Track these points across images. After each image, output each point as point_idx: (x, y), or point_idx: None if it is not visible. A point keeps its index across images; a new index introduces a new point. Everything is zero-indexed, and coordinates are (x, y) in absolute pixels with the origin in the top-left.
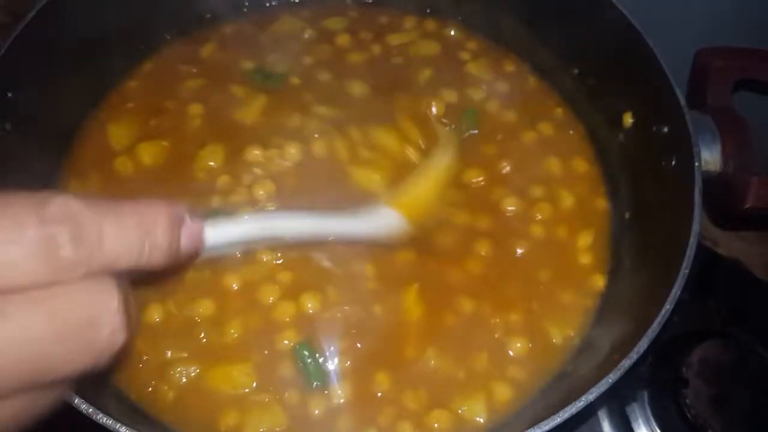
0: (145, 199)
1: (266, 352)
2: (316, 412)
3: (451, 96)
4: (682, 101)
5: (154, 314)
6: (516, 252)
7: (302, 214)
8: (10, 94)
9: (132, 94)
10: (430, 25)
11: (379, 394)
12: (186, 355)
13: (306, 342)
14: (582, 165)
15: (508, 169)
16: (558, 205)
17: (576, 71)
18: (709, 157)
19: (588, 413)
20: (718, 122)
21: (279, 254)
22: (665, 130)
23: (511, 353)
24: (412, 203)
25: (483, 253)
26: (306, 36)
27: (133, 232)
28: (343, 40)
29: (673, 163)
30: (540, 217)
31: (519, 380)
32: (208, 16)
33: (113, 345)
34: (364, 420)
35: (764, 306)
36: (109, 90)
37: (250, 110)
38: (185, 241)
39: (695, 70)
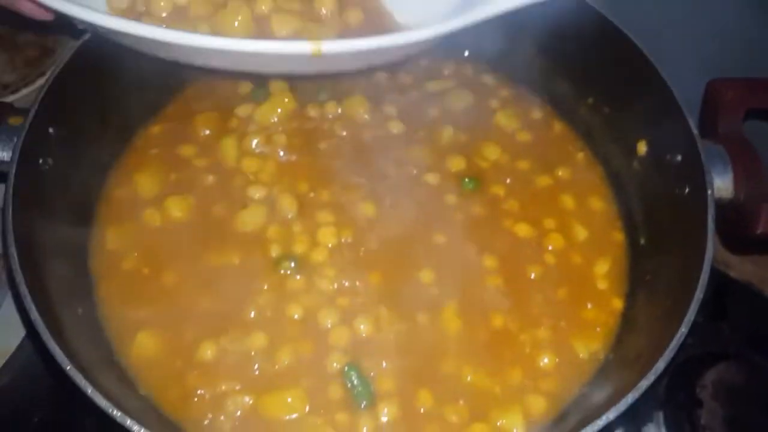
0: None
1: (316, 376)
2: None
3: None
4: (695, 130)
5: (207, 351)
6: (530, 275)
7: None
8: (51, 130)
9: (155, 140)
10: (467, 71)
11: (422, 410)
12: (239, 387)
13: (354, 363)
14: (598, 203)
15: (517, 205)
16: (571, 237)
17: (591, 100)
18: (721, 185)
19: None
20: (730, 150)
21: (335, 283)
22: (678, 158)
23: (542, 366)
24: None
25: (497, 274)
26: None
27: None
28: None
29: (687, 190)
30: (552, 247)
31: (552, 392)
32: None
33: None
34: None
35: None
36: (138, 131)
37: None
38: None
39: (707, 101)
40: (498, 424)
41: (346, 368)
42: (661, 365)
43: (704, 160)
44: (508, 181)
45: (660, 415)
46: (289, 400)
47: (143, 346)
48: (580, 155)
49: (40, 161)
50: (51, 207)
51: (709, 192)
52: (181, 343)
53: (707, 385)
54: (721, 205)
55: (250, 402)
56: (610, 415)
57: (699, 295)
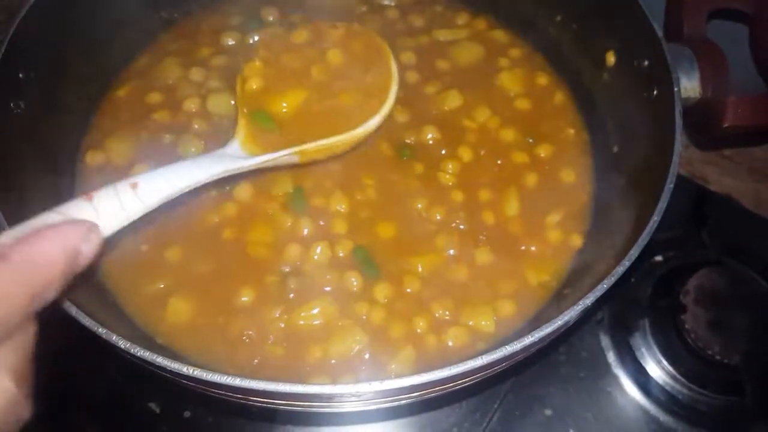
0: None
1: (335, 272)
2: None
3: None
4: (660, 34)
5: (244, 296)
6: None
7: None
8: (21, 75)
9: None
10: (481, 24)
11: (409, 290)
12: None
13: (360, 245)
14: (570, 176)
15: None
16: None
17: (559, 18)
18: (689, 84)
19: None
20: (695, 51)
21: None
22: (646, 63)
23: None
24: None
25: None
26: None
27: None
28: (392, 15)
29: (655, 93)
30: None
31: (520, 297)
32: None
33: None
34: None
35: (754, 235)
36: (111, 80)
37: None
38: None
39: (670, 4)
40: (470, 324)
41: (356, 249)
42: (635, 252)
43: (670, 61)
44: (482, 152)
45: (646, 323)
46: (316, 311)
47: (178, 313)
48: (570, 131)
49: (11, 104)
50: (26, 154)
51: (676, 90)
52: (216, 299)
53: (690, 291)
54: (689, 105)
55: (287, 321)
56: (588, 300)
57: (670, 185)
